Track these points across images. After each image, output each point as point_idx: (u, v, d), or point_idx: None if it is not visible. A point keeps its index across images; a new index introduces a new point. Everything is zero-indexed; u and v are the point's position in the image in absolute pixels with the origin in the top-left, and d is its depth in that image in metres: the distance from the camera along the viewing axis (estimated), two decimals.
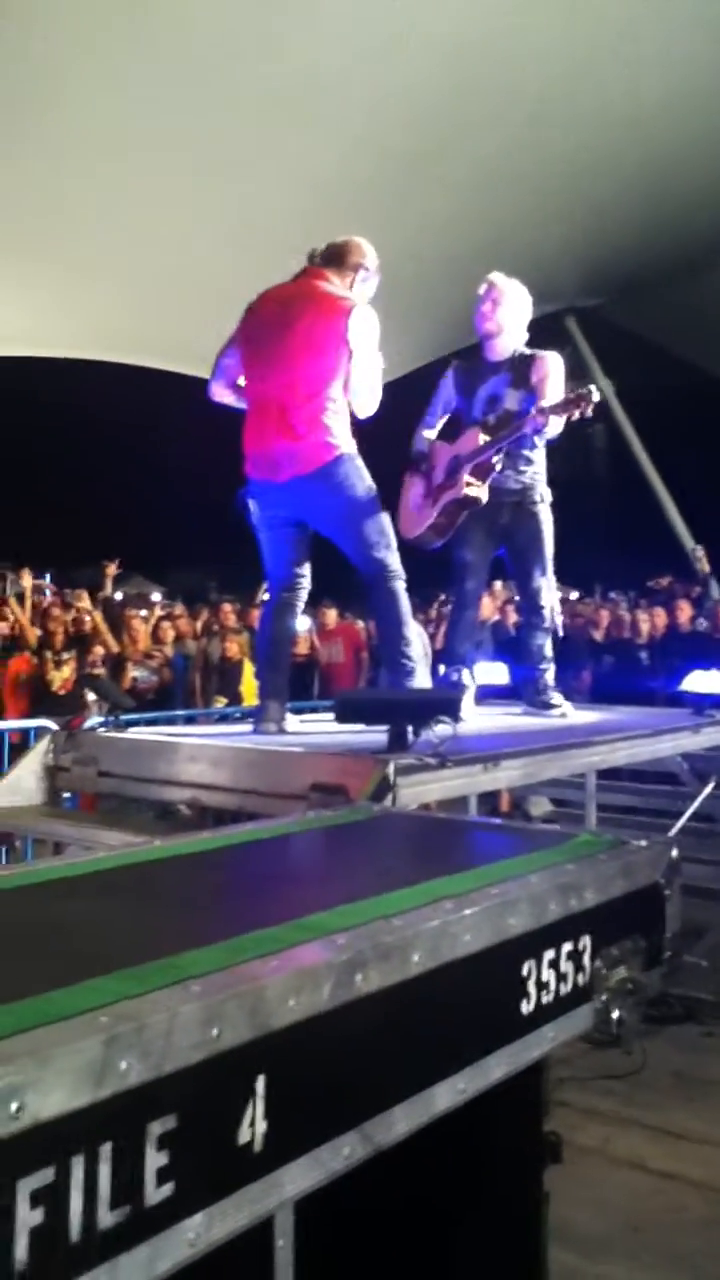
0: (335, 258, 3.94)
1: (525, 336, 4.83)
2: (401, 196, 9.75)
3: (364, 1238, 1.58)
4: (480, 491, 4.45)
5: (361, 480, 3.84)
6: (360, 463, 3.86)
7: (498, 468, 4.50)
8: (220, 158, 8.62)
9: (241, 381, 3.99)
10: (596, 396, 4.27)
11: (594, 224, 12.02)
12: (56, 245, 9.29)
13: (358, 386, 3.84)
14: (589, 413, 4.27)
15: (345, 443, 3.80)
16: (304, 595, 4.14)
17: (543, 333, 5.00)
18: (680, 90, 9.84)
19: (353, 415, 3.90)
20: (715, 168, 11.40)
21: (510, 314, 4.75)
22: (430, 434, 4.91)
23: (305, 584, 4.09)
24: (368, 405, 3.92)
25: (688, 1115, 3.78)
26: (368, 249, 4.00)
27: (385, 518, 3.91)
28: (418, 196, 9.99)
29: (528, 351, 4.77)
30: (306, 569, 4.07)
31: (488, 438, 4.49)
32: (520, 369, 4.70)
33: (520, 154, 10.06)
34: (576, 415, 4.29)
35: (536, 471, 4.76)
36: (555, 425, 4.42)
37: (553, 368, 4.67)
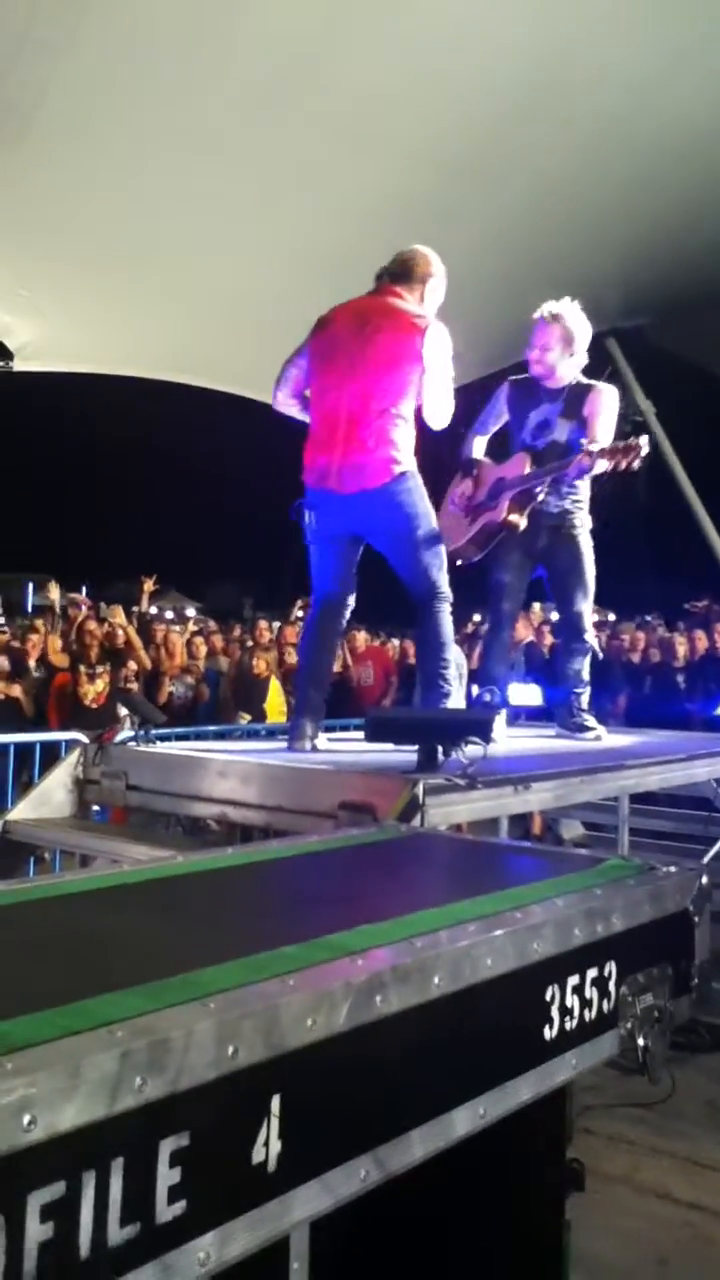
0: (404, 273, 4.00)
1: (583, 363, 4.74)
2: (456, 214, 9.76)
3: (381, 1262, 1.56)
4: (519, 519, 4.44)
5: (422, 499, 3.89)
6: (420, 481, 3.91)
7: (540, 498, 4.47)
8: (278, 178, 8.68)
9: (308, 393, 4.04)
10: (646, 449, 4.21)
11: (643, 244, 12.00)
12: (118, 261, 9.33)
13: (431, 401, 3.89)
14: (636, 465, 4.19)
15: (409, 460, 3.86)
16: (348, 612, 4.16)
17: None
18: None
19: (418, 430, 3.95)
20: None
21: (564, 353, 4.64)
22: (481, 440, 4.89)
23: (350, 600, 4.11)
24: (441, 418, 3.98)
25: (717, 1146, 3.71)
26: (432, 257, 4.04)
27: (440, 539, 3.96)
28: (473, 215, 10.00)
29: (584, 381, 4.71)
30: (353, 585, 4.09)
31: (533, 468, 4.47)
32: (573, 399, 4.64)
33: (577, 175, 10.07)
34: (624, 465, 4.23)
35: (578, 499, 4.72)
36: (600, 467, 4.39)
37: (605, 403, 4.62)
